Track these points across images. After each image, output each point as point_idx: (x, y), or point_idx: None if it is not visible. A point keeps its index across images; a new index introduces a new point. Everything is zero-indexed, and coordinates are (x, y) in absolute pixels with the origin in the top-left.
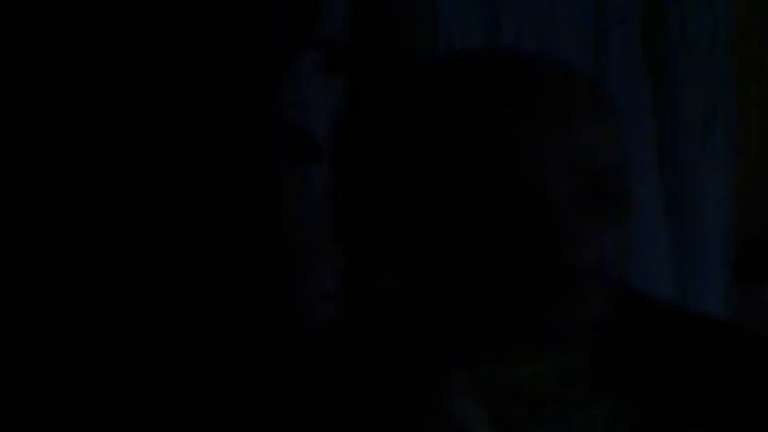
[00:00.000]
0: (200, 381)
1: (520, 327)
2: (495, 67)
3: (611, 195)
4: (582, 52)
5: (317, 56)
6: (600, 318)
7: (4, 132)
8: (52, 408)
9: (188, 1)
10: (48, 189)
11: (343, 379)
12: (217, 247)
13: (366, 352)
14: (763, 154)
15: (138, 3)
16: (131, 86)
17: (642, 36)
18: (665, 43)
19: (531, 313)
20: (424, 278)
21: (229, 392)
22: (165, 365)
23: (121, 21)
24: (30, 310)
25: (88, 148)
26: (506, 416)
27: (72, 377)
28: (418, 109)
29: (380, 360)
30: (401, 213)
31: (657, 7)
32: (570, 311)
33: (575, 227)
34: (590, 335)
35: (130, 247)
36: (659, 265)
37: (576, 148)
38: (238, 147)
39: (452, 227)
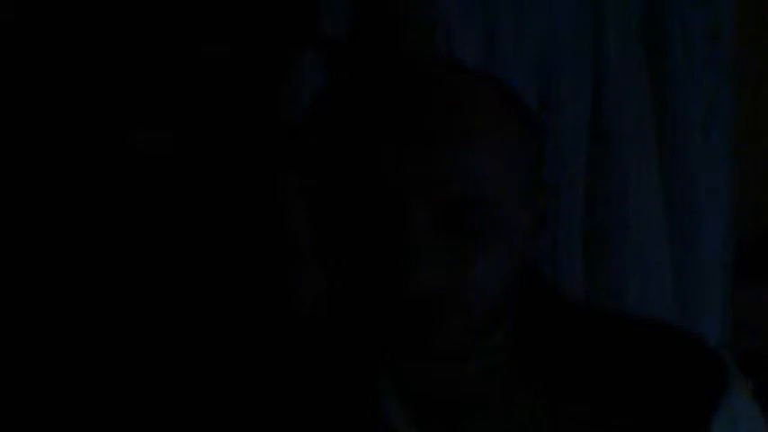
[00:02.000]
0: (199, 379)
1: (383, 338)
2: (391, 87)
3: (473, 225)
4: (582, 52)
5: (317, 56)
6: (455, 336)
7: (3, 132)
8: (52, 408)
9: (188, 1)
10: (47, 189)
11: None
12: (216, 247)
13: (301, 353)
14: (764, 154)
15: (139, 3)
16: (131, 87)
17: (642, 36)
18: (664, 43)
19: (386, 329)
20: (329, 281)
21: (227, 391)
22: (166, 364)
23: (122, 21)
24: (31, 310)
25: (88, 148)
26: (431, 413)
27: (72, 375)
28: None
29: (312, 361)
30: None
31: (657, 7)
32: (417, 330)
33: (423, 251)
34: (457, 348)
35: (129, 246)
36: (659, 265)
37: (433, 176)
38: (238, 146)
39: (335, 236)
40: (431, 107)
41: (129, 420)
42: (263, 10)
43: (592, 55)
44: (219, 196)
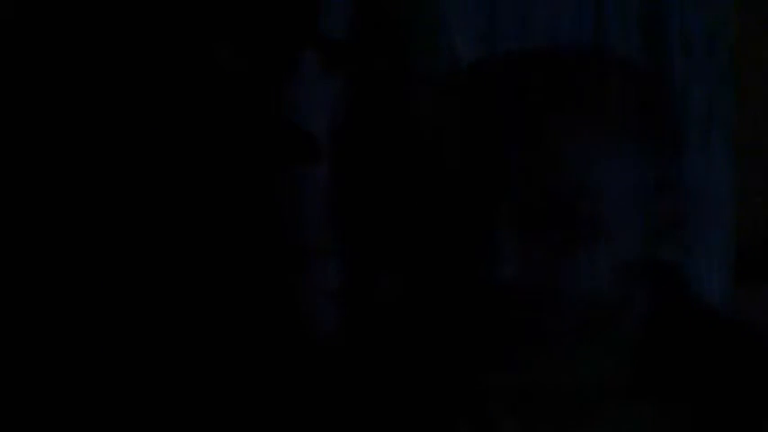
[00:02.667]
0: (201, 381)
1: (471, 335)
2: (483, 75)
3: (565, 221)
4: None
5: (316, 56)
6: (540, 335)
7: (3, 132)
8: (52, 408)
9: (188, 1)
10: (48, 190)
11: (366, 379)
12: (217, 248)
13: (394, 352)
14: (764, 153)
15: (139, 3)
16: (130, 86)
17: (642, 36)
18: (664, 43)
19: (472, 325)
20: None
21: (232, 393)
22: (167, 366)
23: (122, 20)
24: (31, 310)
25: (88, 149)
26: (540, 418)
27: (72, 377)
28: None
29: (407, 361)
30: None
31: (657, 7)
32: (502, 328)
33: (508, 246)
34: (544, 349)
35: (131, 248)
36: None
37: (520, 167)
38: (238, 146)
39: (424, 229)
40: (523, 95)
41: (129, 422)
42: (263, 10)
43: None
44: (219, 196)
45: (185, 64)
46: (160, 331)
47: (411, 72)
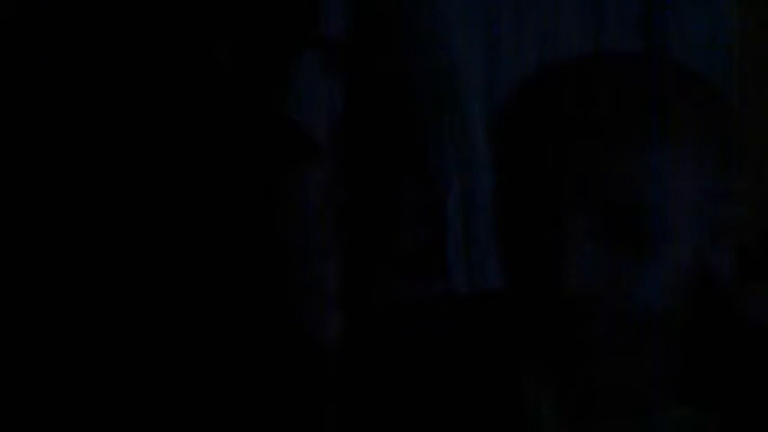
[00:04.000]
0: (201, 380)
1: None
2: (561, 83)
3: (634, 233)
4: (582, 53)
5: (317, 56)
6: (600, 339)
7: (4, 132)
8: (52, 408)
9: (189, 1)
10: (48, 189)
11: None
12: (216, 248)
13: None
14: (764, 152)
15: (140, 3)
16: (131, 86)
17: (642, 37)
18: (664, 43)
19: (541, 329)
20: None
21: (231, 392)
22: (167, 366)
23: (122, 21)
24: (32, 311)
25: (88, 149)
26: (580, 413)
27: (72, 377)
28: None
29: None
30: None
31: (657, 8)
32: (563, 332)
33: (580, 256)
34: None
35: (130, 249)
36: None
37: (595, 179)
38: (238, 146)
39: (514, 230)
40: (594, 105)
41: (129, 422)
42: (263, 10)
43: None
44: (218, 196)
45: (186, 64)
46: (160, 330)
47: (411, 72)
